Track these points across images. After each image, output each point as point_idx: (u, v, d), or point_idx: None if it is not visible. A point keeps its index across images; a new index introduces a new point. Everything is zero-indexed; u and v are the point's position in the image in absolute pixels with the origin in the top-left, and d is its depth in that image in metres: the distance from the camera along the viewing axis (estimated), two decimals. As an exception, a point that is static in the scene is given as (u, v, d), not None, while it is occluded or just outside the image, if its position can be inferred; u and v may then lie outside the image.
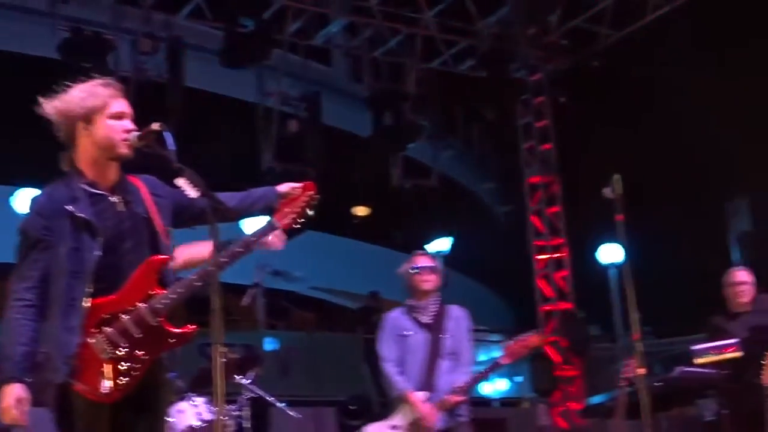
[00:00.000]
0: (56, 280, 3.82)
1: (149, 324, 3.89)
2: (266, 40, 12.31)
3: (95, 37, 11.11)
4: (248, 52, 12.29)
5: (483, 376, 6.32)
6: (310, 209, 4.28)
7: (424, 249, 6.90)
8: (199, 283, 3.96)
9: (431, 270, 6.49)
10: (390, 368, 6.35)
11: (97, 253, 3.85)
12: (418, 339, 6.38)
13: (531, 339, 6.28)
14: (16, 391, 3.72)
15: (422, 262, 6.55)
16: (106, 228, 3.92)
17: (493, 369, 6.32)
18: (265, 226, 4.22)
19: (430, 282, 6.47)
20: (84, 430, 3.81)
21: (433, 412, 6.13)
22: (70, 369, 3.75)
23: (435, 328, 6.39)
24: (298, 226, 4.27)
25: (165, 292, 3.95)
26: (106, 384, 3.78)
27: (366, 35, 14.11)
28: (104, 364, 3.80)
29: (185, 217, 4.17)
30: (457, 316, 6.49)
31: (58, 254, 3.84)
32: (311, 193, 4.30)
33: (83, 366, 3.78)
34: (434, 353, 6.32)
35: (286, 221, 4.24)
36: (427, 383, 6.25)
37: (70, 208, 3.88)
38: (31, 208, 3.95)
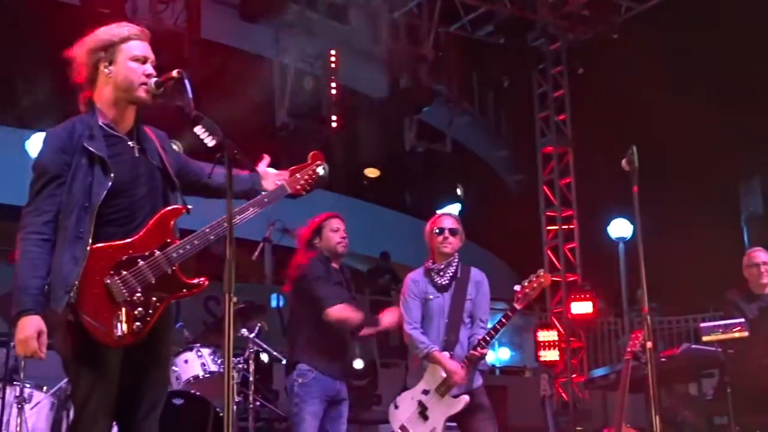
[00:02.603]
0: (67, 214, 3.80)
1: (164, 271, 3.91)
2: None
3: (113, -16, 11.02)
4: (266, 7, 12.18)
5: (501, 326, 6.23)
6: (320, 178, 4.46)
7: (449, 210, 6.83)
8: (213, 237, 3.99)
9: (453, 232, 6.39)
10: (413, 330, 6.29)
11: (107, 188, 3.83)
12: (439, 303, 6.31)
13: (540, 279, 6.20)
14: (34, 323, 3.70)
15: (446, 223, 6.44)
16: (121, 170, 3.92)
17: (509, 317, 6.23)
18: (277, 190, 4.33)
19: (451, 244, 6.37)
20: (98, 373, 3.80)
21: (460, 367, 6.09)
22: (71, 298, 3.71)
23: (457, 291, 6.31)
24: (307, 193, 4.45)
25: (180, 241, 3.96)
26: (122, 328, 3.77)
27: (386, -5, 13.98)
28: (120, 308, 3.80)
29: (181, 183, 4.19)
30: (478, 280, 6.40)
31: (72, 190, 3.82)
32: (320, 163, 4.46)
33: (99, 308, 3.77)
34: (456, 317, 6.25)
35: (297, 187, 4.39)
36: (447, 346, 6.20)
37: (87, 144, 3.87)
38: (50, 143, 3.91)
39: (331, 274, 6.45)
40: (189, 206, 4.08)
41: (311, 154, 4.50)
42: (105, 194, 3.84)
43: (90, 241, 3.78)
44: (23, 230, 3.81)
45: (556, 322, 14.39)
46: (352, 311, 6.33)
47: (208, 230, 3.99)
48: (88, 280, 3.76)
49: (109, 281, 3.80)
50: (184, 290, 3.98)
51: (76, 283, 3.72)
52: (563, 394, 14.13)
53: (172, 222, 3.99)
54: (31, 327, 3.69)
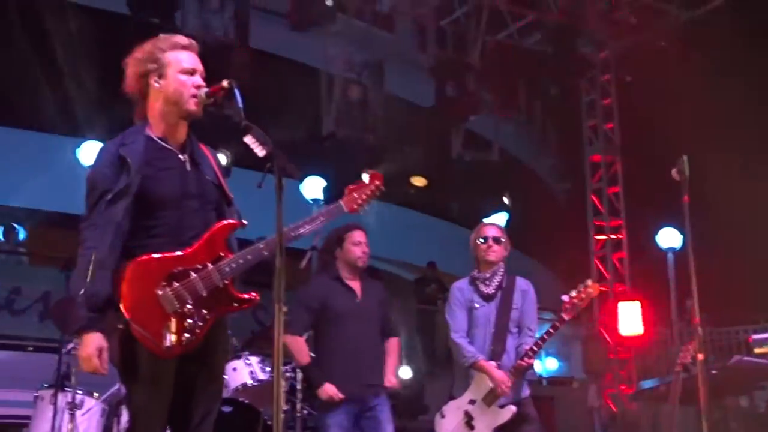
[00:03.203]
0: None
1: (216, 285, 3.92)
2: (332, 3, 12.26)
3: (165, -8, 11.17)
4: (314, 16, 12.25)
5: (548, 337, 6.18)
6: (375, 198, 4.40)
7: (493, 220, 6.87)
8: (266, 252, 3.99)
9: (497, 241, 6.37)
10: (460, 338, 6.27)
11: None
12: (485, 312, 6.29)
13: (588, 289, 6.14)
14: (96, 340, 3.73)
15: (489, 232, 6.43)
16: (170, 183, 3.93)
17: (556, 328, 6.19)
18: (332, 209, 4.30)
19: (495, 252, 6.35)
20: (149, 382, 3.83)
21: (506, 377, 6.06)
22: (125, 308, 3.74)
23: (503, 300, 6.29)
24: (364, 212, 4.39)
25: (233, 255, 3.97)
26: (170, 338, 3.79)
27: (432, 4, 13.99)
28: (170, 319, 3.82)
29: None
30: (524, 289, 6.37)
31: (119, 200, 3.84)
32: (379, 183, 4.39)
33: (149, 317, 3.79)
34: (502, 326, 6.22)
35: (354, 206, 4.34)
36: (494, 356, 6.17)
37: (120, 151, 3.89)
38: (101, 158, 3.95)
39: (332, 296, 6.44)
40: (244, 221, 4.10)
41: (371, 173, 4.43)
42: (153, 206, 3.86)
43: (117, 244, 3.79)
44: (81, 245, 3.83)
45: (604, 333, 14.27)
46: (298, 351, 6.37)
47: (262, 246, 3.99)
48: (140, 290, 3.78)
49: (160, 292, 3.81)
50: (235, 304, 3.99)
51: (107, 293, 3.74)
52: (612, 406, 14.00)
53: (226, 236, 4.00)
54: (92, 344, 3.72)
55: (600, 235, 14.92)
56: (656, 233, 15.42)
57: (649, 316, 13.99)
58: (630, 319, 13.82)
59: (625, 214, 14.86)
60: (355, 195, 4.34)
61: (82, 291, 3.74)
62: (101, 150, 3.99)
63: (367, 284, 6.64)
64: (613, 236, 14.83)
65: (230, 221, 4.04)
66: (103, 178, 3.88)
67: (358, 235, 6.49)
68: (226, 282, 3.94)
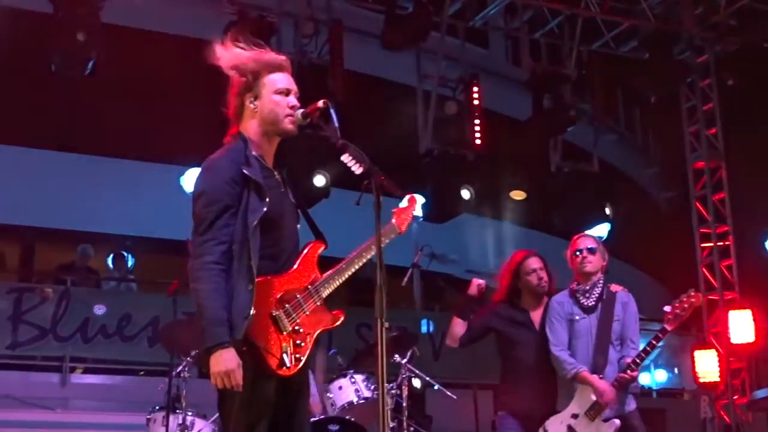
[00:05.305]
0: (241, 244, 3.84)
1: (315, 304, 4.03)
2: (425, 22, 12.30)
3: (259, 19, 11.36)
4: (407, 35, 12.32)
5: (651, 348, 6.10)
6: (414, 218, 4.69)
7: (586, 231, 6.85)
8: (348, 273, 4.18)
9: (591, 251, 6.33)
10: (560, 351, 6.23)
11: (262, 212, 3.88)
12: (586, 324, 6.24)
13: (691, 299, 6.04)
14: (234, 355, 3.72)
15: (582, 243, 6.40)
16: (274, 203, 3.98)
17: (659, 339, 6.09)
18: (387, 228, 4.45)
19: (591, 264, 6.32)
20: (261, 404, 3.84)
21: (610, 387, 5.99)
22: (247, 327, 3.77)
23: (604, 312, 6.23)
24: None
25: (323, 276, 4.09)
26: (287, 359, 3.85)
27: (525, 17, 13.92)
28: (284, 340, 3.89)
29: None
30: (624, 301, 6.30)
31: (242, 220, 3.87)
32: (416, 204, 4.68)
33: (268, 338, 3.85)
34: (604, 338, 6.16)
35: (403, 227, 4.55)
36: (596, 368, 6.10)
37: (245, 170, 3.92)
38: (219, 173, 3.93)
39: (510, 325, 6.56)
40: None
41: (408, 197, 4.66)
42: (263, 226, 3.89)
43: (255, 268, 3.83)
44: (202, 258, 3.81)
45: (714, 342, 13.94)
46: (452, 330, 6.69)
47: (344, 266, 4.15)
48: (257, 312, 3.82)
49: (275, 313, 3.89)
50: (328, 322, 4.10)
51: (252, 311, 3.77)
52: (725, 417, 13.65)
53: (316, 256, 4.12)
54: (233, 360, 3.71)
55: (706, 243, 14.57)
56: (765, 238, 15.03)
57: (760, 323, 13.63)
58: (741, 327, 13.49)
59: (732, 221, 14.49)
60: (403, 216, 4.54)
61: (217, 307, 3.74)
62: (217, 166, 3.97)
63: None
64: (719, 243, 14.46)
65: (321, 241, 4.16)
66: (227, 193, 3.88)
67: (530, 263, 6.57)
68: (321, 301, 4.05)
